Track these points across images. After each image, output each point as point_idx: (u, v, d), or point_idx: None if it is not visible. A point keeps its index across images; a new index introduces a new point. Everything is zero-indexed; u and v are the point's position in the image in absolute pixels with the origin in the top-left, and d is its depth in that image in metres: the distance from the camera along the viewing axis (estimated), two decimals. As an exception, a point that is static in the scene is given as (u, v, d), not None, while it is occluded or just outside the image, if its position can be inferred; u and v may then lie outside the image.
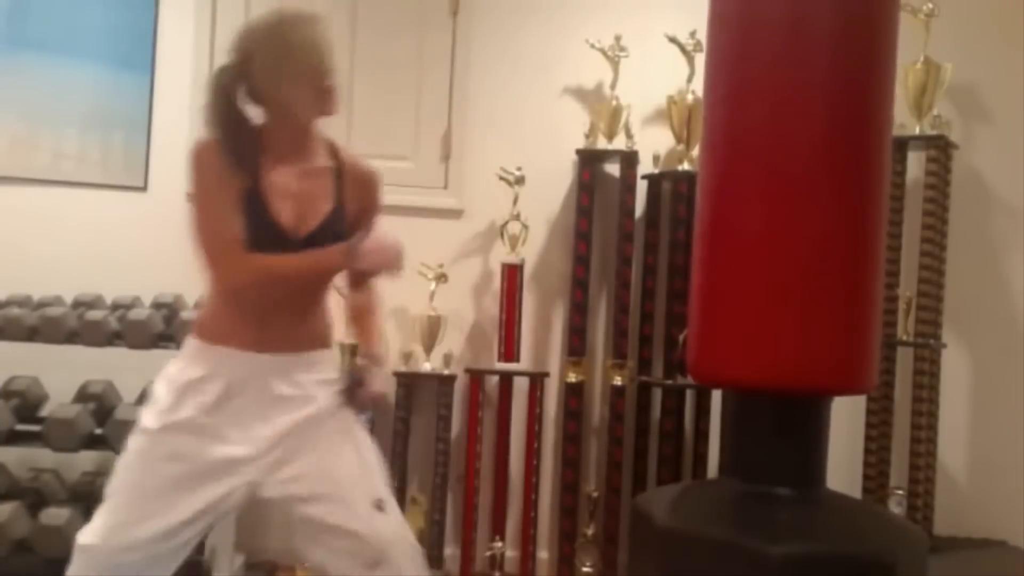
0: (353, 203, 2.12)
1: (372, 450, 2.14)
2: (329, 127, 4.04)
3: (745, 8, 2.31)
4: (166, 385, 2.02)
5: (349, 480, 2.04)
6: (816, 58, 2.23)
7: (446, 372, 3.66)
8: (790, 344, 2.23)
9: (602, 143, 3.76)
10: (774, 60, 2.24)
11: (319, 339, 2.13)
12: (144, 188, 3.79)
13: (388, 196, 3.89)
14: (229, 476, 1.99)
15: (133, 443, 2.01)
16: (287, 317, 2.05)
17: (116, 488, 1.99)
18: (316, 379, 2.08)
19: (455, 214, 3.87)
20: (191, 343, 2.07)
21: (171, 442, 1.97)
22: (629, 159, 3.73)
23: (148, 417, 2.01)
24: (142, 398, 3.39)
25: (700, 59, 3.72)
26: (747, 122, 2.28)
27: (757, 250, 2.26)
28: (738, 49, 2.32)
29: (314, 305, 2.12)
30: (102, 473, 3.46)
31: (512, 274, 3.70)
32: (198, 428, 1.98)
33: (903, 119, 3.55)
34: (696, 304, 2.47)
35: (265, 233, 1.98)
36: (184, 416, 1.98)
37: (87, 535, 1.98)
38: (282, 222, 2.00)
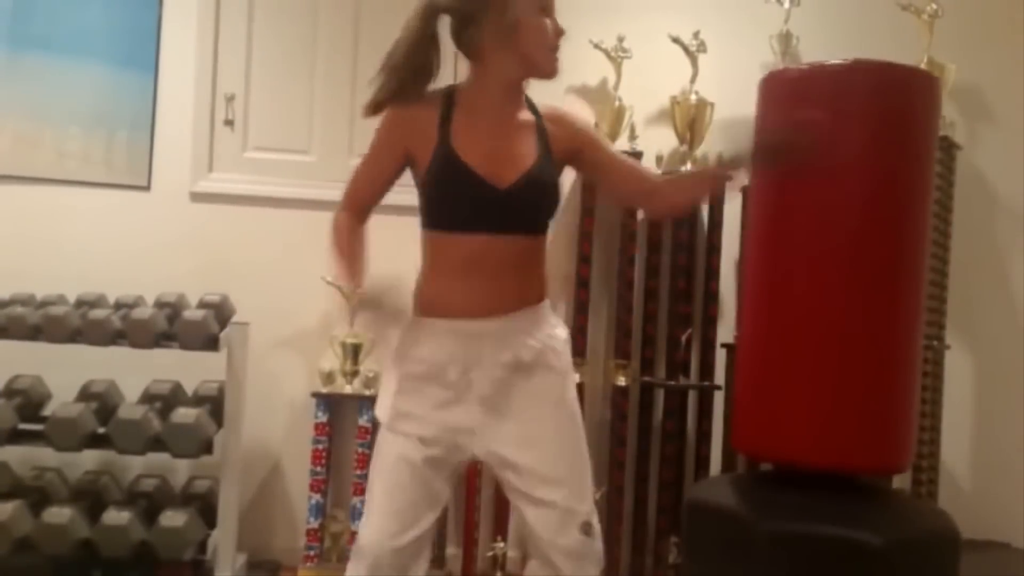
0: (562, 152, 2.07)
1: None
2: (331, 127, 4.03)
3: (790, 94, 2.36)
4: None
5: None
6: (853, 144, 2.26)
7: (448, 372, 3.66)
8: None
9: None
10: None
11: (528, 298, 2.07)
12: (147, 187, 3.79)
13: (390, 195, 3.89)
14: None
15: None
16: (490, 280, 2.01)
17: None
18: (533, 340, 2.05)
19: (458, 214, 3.86)
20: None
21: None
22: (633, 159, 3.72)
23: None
24: (144, 397, 3.41)
25: (703, 60, 3.75)
26: (790, 215, 2.31)
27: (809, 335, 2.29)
28: None
29: (520, 267, 2.04)
30: (104, 472, 3.48)
31: (515, 274, 3.70)
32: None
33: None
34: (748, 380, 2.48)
35: (464, 186, 1.97)
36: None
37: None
38: (480, 172, 1.96)
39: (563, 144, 2.08)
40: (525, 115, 2.07)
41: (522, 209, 2.00)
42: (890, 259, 2.29)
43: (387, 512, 2.01)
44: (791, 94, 2.39)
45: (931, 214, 2.45)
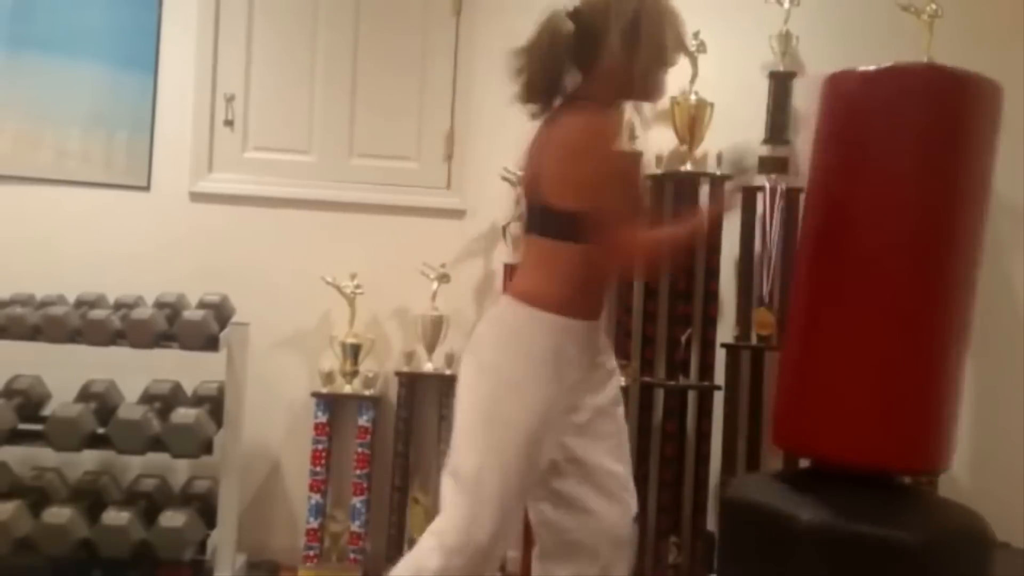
0: None
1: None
2: (331, 127, 4.02)
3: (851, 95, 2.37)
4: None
5: None
6: (905, 148, 2.27)
7: (448, 372, 3.65)
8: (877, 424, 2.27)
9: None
10: (869, 150, 2.29)
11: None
12: (147, 188, 3.79)
13: (391, 196, 3.90)
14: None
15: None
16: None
17: None
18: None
19: (458, 214, 3.87)
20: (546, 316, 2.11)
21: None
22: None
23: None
24: (144, 397, 3.41)
25: (703, 60, 3.74)
26: (844, 214, 2.32)
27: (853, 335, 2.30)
28: (838, 138, 2.37)
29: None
30: (104, 472, 3.48)
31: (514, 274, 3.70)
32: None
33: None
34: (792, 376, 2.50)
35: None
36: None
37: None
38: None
39: None
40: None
41: None
42: (941, 261, 2.29)
43: (512, 508, 2.10)
44: (852, 96, 2.38)
45: (985, 219, 2.45)
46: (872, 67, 2.34)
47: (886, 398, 2.25)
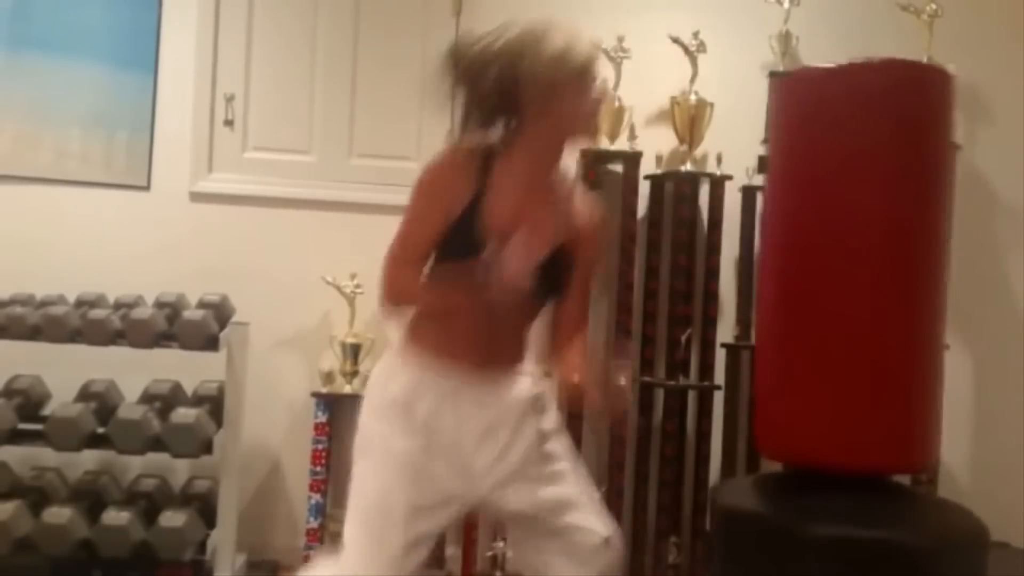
0: (569, 235, 2.01)
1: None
2: (331, 127, 4.03)
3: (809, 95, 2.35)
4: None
5: None
6: (869, 146, 2.26)
7: (448, 372, 3.66)
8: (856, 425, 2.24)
9: (605, 144, 3.76)
10: (832, 149, 2.27)
11: (519, 359, 2.11)
12: (147, 187, 3.79)
13: (391, 196, 3.90)
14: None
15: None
16: (492, 335, 1.99)
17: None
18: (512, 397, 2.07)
19: (457, 214, 3.86)
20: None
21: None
22: (632, 160, 3.72)
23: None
24: (144, 397, 3.41)
25: (703, 60, 3.75)
26: (812, 215, 2.30)
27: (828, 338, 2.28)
28: (805, 145, 2.35)
29: (518, 327, 2.09)
30: (104, 472, 3.48)
31: (514, 274, 3.69)
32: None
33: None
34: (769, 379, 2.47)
35: (474, 238, 1.88)
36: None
37: None
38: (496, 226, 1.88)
39: (574, 231, 2.04)
40: (558, 182, 2.05)
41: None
42: (911, 258, 2.29)
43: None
44: (810, 96, 2.38)
45: (949, 213, 2.45)
46: (830, 64, 2.33)
47: (861, 399, 2.25)
